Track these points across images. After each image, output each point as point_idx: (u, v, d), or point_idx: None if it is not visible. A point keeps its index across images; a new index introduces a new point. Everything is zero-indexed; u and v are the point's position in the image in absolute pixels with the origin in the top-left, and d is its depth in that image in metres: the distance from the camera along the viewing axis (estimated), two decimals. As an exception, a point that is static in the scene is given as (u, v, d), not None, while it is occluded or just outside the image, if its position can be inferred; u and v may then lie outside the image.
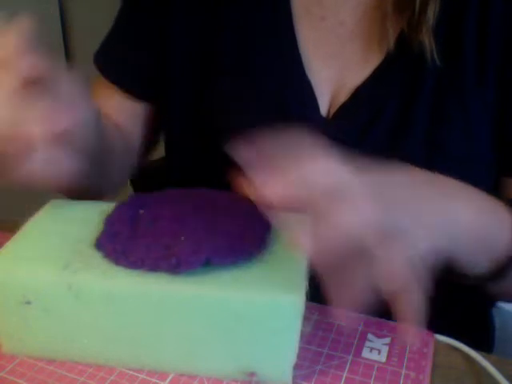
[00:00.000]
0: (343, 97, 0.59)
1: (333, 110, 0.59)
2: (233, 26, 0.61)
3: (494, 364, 0.43)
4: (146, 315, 0.40)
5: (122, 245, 0.41)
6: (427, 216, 0.40)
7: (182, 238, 0.41)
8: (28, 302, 0.40)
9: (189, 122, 0.64)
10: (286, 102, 0.59)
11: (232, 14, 0.61)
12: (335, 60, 0.60)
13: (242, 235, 0.42)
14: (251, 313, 0.38)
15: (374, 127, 0.57)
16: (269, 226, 0.45)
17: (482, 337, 0.69)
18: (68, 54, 1.66)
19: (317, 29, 0.60)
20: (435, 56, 0.54)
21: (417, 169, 0.45)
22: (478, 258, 0.47)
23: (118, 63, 0.68)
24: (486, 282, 0.48)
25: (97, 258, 0.42)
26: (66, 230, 0.45)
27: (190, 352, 0.41)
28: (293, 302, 0.38)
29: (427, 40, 0.54)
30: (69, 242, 0.43)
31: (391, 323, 0.47)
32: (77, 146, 0.47)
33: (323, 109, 0.59)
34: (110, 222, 0.45)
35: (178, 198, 0.47)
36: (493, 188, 0.59)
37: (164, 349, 0.41)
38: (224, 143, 0.62)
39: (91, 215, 0.47)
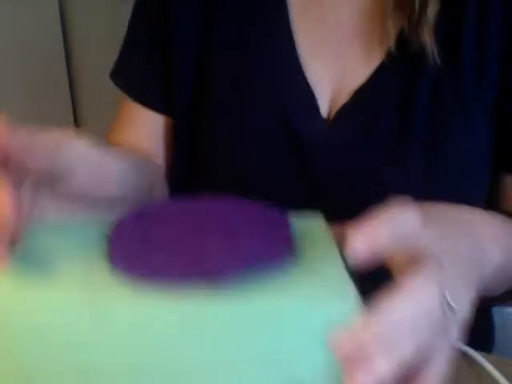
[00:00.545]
0: (344, 97, 0.58)
1: (333, 112, 0.59)
2: (230, 28, 0.61)
3: (493, 364, 0.43)
4: (184, 340, 0.34)
5: (141, 261, 0.36)
6: (467, 261, 0.39)
7: (205, 247, 0.37)
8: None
9: (190, 124, 0.64)
10: (285, 103, 0.59)
11: (230, 15, 0.61)
12: (335, 60, 0.59)
13: (269, 240, 0.39)
14: (305, 324, 0.34)
15: (375, 128, 0.57)
16: (290, 228, 0.41)
17: (482, 337, 0.69)
18: (68, 54, 1.66)
19: (315, 29, 0.60)
20: (436, 55, 0.54)
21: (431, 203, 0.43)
22: (495, 289, 0.47)
23: (140, 81, 0.67)
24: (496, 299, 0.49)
25: (115, 277, 0.36)
26: (70, 246, 0.39)
27: (234, 378, 0.35)
28: (347, 310, 0.34)
29: (428, 39, 0.53)
30: (78, 259, 0.38)
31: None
32: (115, 197, 0.47)
33: (324, 110, 0.59)
34: (118, 237, 0.39)
35: (183, 207, 0.43)
36: (489, 187, 0.59)
37: (206, 379, 0.35)
38: (222, 148, 0.62)
39: (89, 232, 0.41)
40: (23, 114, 0.40)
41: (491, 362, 0.44)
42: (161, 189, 0.66)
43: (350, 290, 0.35)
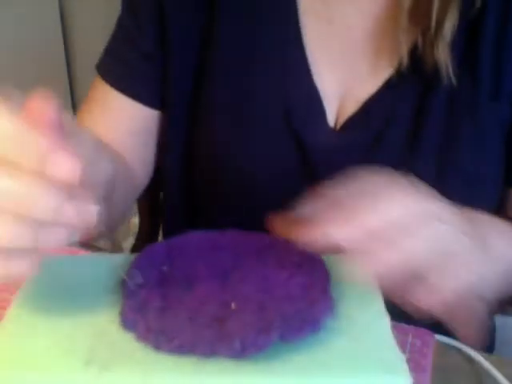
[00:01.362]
0: (351, 107, 0.57)
1: (340, 121, 0.57)
2: (233, 26, 0.59)
3: (493, 364, 0.43)
4: None
5: (158, 321, 0.31)
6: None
7: (233, 305, 0.32)
8: None
9: (187, 122, 0.62)
10: (290, 106, 0.57)
11: (232, 14, 0.59)
12: (341, 67, 0.57)
13: (305, 294, 0.33)
14: None
15: (385, 141, 0.55)
16: (327, 276, 0.36)
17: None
18: (68, 54, 1.66)
19: (323, 32, 0.58)
20: (451, 74, 0.52)
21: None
22: (501, 290, 0.47)
23: (128, 73, 0.63)
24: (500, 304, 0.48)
25: (127, 341, 0.31)
26: (75, 300, 0.34)
27: None
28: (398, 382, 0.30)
29: (443, 58, 0.51)
30: (84, 319, 0.32)
31: (391, 323, 0.47)
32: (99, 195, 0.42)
33: (330, 118, 0.57)
34: (132, 285, 0.34)
35: (205, 246, 0.38)
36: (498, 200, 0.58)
37: None
38: (222, 148, 0.61)
39: (100, 275, 0.36)
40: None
41: (491, 362, 0.44)
42: (125, 193, 0.61)
43: (399, 363, 0.30)
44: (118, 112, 0.63)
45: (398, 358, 0.31)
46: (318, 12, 0.58)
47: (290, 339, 0.30)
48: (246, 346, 0.29)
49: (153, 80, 0.62)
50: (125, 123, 0.63)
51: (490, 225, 0.47)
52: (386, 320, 0.34)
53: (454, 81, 0.52)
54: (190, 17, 0.60)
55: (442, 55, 0.51)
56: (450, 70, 0.52)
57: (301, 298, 0.33)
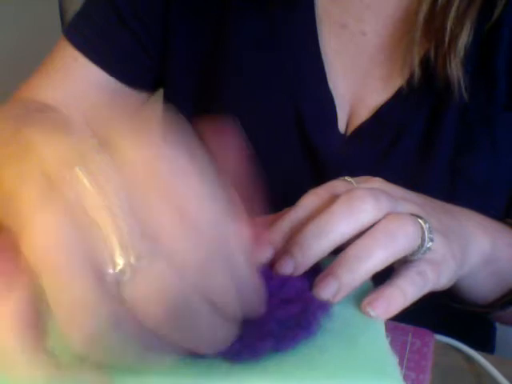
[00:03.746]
0: (363, 115, 0.56)
1: (351, 127, 0.57)
2: (249, 22, 0.58)
3: (493, 364, 0.43)
4: None
5: None
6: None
7: None
8: None
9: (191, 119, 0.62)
10: (303, 110, 0.57)
11: (250, 10, 0.58)
12: (354, 72, 0.57)
13: (301, 298, 0.33)
14: None
15: (397, 151, 0.55)
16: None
17: (482, 337, 0.69)
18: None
19: (337, 36, 0.57)
20: (463, 90, 0.51)
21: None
22: (488, 289, 0.47)
23: (104, 43, 0.61)
24: (490, 310, 0.48)
25: None
26: None
27: None
28: None
29: (455, 74, 0.50)
30: None
31: (391, 323, 0.47)
32: None
33: (341, 124, 0.57)
34: None
35: None
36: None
37: None
38: None
39: None
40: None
41: (491, 362, 0.44)
42: None
43: (392, 367, 0.30)
44: (85, 81, 0.60)
45: (391, 363, 0.30)
46: (334, 15, 0.57)
47: (285, 348, 0.29)
48: (243, 349, 0.28)
49: (131, 57, 0.61)
50: (91, 93, 0.60)
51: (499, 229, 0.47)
52: (380, 322, 0.33)
53: (465, 96, 0.51)
54: (199, 16, 0.59)
55: (455, 71, 0.50)
56: (463, 85, 0.51)
57: (296, 303, 0.32)
